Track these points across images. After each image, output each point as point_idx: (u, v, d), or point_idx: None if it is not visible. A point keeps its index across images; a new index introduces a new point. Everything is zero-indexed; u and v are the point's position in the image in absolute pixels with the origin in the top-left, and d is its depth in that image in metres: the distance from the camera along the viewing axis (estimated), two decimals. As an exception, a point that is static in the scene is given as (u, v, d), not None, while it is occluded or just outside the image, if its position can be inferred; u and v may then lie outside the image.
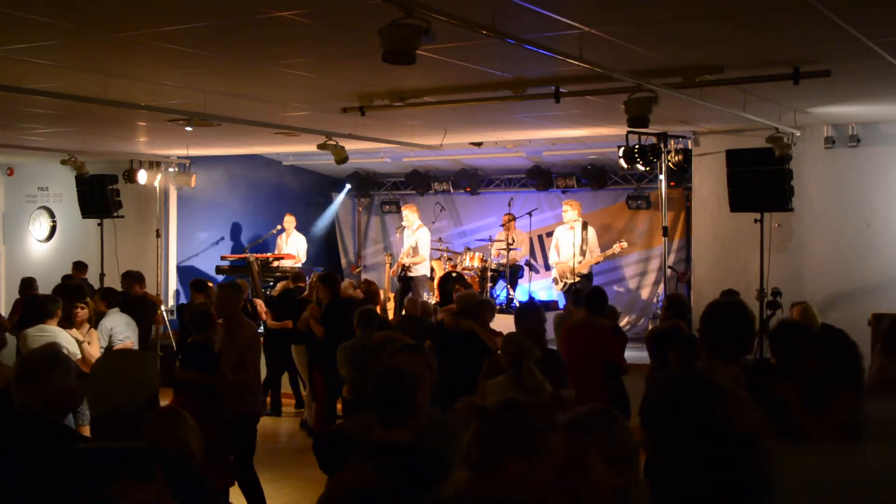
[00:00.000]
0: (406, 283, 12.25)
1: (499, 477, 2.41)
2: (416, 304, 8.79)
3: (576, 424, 2.63)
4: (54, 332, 6.88)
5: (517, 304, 11.66)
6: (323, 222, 15.58)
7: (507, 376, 5.29)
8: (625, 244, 11.39)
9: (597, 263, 11.50)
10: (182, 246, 13.48)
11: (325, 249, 15.67)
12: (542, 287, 13.44)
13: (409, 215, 12.50)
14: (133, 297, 9.17)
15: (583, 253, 11.15)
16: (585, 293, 7.50)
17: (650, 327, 9.56)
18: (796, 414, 3.78)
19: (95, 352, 7.34)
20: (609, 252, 11.34)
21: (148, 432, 2.82)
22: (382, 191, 15.60)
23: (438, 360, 5.83)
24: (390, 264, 12.81)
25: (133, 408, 2.73)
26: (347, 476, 3.19)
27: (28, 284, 10.17)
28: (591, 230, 11.33)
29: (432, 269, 12.84)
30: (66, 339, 6.98)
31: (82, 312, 7.49)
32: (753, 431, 3.21)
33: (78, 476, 2.44)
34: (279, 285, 10.88)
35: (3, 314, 10.07)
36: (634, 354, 8.88)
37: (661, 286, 10.63)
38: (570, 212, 11.31)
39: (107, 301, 8.23)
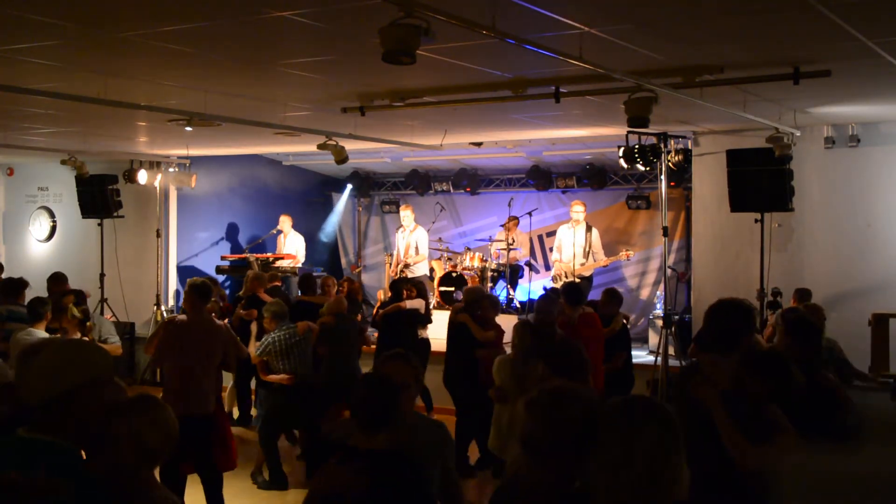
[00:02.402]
0: (407, 284, 12.26)
1: (553, 464, 2.50)
2: (342, 304, 8.74)
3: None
4: (34, 335, 7.14)
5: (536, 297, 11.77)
6: (327, 223, 15.58)
7: (510, 356, 6.35)
8: (631, 253, 11.41)
9: (602, 267, 11.50)
10: (182, 246, 13.47)
11: (327, 249, 15.67)
12: (542, 287, 13.41)
13: (405, 216, 12.52)
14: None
15: (585, 255, 11.14)
16: (562, 291, 7.98)
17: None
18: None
19: None
20: (613, 258, 11.36)
21: (78, 423, 2.62)
22: (382, 191, 15.59)
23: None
24: (390, 264, 12.82)
25: (37, 400, 2.55)
26: (325, 478, 3.22)
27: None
28: (594, 232, 11.32)
29: (432, 269, 12.85)
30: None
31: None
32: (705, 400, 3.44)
33: None
34: None
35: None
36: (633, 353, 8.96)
37: (661, 286, 10.62)
38: (582, 212, 11.33)
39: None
